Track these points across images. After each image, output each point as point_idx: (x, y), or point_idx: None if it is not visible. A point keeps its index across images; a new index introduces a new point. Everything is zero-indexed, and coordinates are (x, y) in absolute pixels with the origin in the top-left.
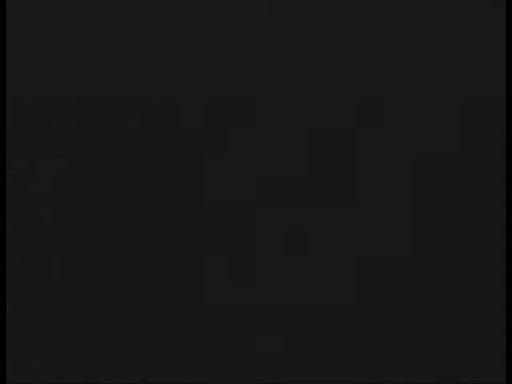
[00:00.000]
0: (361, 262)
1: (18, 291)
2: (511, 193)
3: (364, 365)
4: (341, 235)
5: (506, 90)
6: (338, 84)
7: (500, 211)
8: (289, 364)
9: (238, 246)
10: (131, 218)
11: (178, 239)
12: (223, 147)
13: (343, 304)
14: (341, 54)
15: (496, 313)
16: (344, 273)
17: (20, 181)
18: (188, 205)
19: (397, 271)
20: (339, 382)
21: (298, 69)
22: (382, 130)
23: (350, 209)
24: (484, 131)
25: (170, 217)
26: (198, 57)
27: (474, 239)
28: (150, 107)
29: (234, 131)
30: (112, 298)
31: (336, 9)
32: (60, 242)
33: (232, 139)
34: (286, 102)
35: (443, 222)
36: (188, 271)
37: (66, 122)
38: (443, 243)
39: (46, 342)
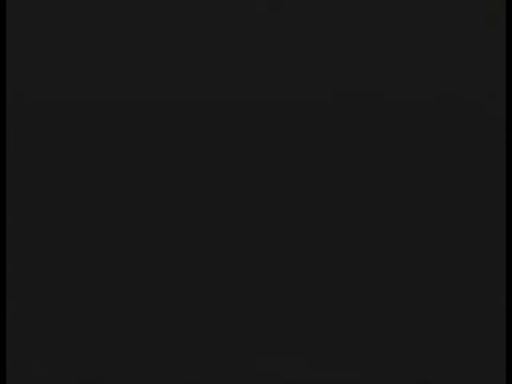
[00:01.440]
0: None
1: (18, 291)
2: (511, 192)
3: (364, 365)
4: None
5: (506, 90)
6: (337, 83)
7: (500, 211)
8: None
9: None
10: (131, 218)
11: (177, 239)
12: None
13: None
14: (339, 54)
15: (496, 314)
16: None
17: (20, 181)
18: (188, 206)
19: (397, 271)
20: (339, 381)
21: (295, 67)
22: (382, 132)
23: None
24: (484, 131)
25: (168, 218)
26: (198, 57)
27: (473, 240)
28: (150, 108)
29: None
30: (112, 298)
31: (335, 10)
32: (60, 242)
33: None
34: (285, 100)
35: (442, 223)
36: (186, 271)
37: (65, 122)
38: (442, 244)
39: (46, 342)
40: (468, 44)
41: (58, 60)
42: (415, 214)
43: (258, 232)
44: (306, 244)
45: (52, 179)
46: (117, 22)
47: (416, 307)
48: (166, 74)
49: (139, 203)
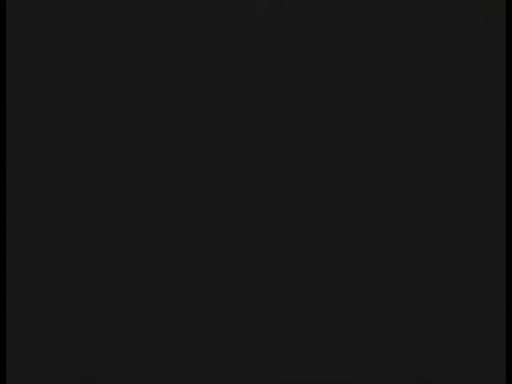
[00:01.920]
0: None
1: (18, 291)
2: (511, 193)
3: (364, 365)
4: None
5: (506, 90)
6: (337, 83)
7: (500, 211)
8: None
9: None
10: (130, 218)
11: (177, 239)
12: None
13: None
14: (339, 55)
15: (496, 314)
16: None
17: (20, 181)
18: (188, 206)
19: (400, 271)
20: (339, 381)
21: (295, 67)
22: (382, 133)
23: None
24: (484, 131)
25: (168, 218)
26: (198, 57)
27: (473, 240)
28: (150, 108)
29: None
30: (112, 298)
31: (335, 10)
32: (60, 242)
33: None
34: (286, 100)
35: (442, 223)
36: (186, 271)
37: (65, 122)
38: (442, 244)
39: (46, 342)
40: (468, 44)
41: (58, 60)
42: (415, 214)
43: (257, 232)
44: (305, 244)
45: (52, 179)
46: (117, 22)
47: (416, 307)
48: (166, 73)
49: (139, 203)
